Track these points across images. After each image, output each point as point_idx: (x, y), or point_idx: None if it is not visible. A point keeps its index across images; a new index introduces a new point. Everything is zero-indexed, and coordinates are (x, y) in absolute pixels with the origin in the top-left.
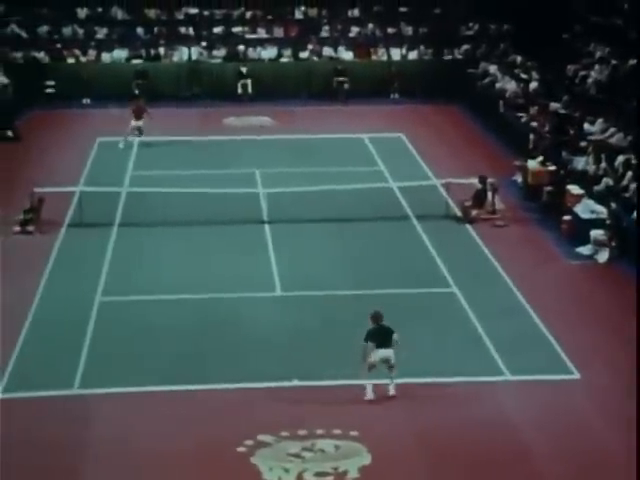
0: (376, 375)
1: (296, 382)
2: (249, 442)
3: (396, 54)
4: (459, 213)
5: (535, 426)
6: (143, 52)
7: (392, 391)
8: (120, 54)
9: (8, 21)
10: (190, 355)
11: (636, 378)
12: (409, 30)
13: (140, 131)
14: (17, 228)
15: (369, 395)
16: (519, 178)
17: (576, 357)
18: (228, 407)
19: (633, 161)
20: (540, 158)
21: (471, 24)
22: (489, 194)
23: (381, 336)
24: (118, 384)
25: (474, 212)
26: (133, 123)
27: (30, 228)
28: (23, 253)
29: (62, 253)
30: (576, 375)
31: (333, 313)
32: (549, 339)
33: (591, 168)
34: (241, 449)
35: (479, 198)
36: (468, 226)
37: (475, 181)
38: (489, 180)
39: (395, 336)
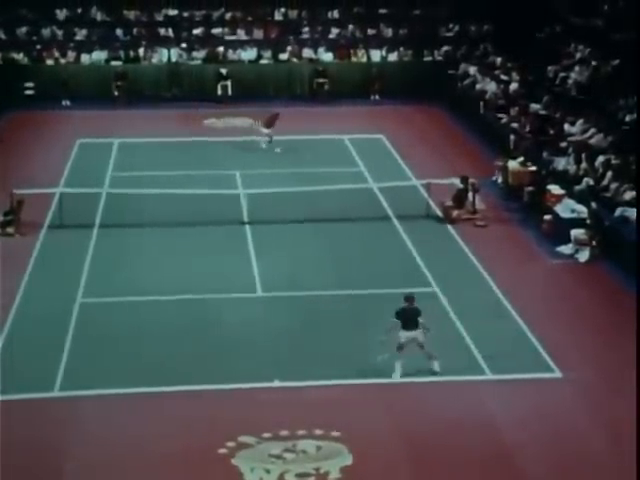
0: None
1: (277, 383)
2: (230, 444)
3: (376, 55)
4: (440, 213)
5: (517, 425)
6: (122, 53)
7: (436, 367)
8: (100, 55)
9: None
10: (171, 356)
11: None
12: (389, 31)
13: (270, 139)
14: None
15: (397, 375)
16: (500, 178)
17: (557, 356)
18: (209, 408)
19: (613, 161)
20: (521, 158)
21: (451, 25)
22: (470, 194)
23: (407, 317)
24: (99, 386)
25: (455, 212)
26: (265, 131)
27: (10, 230)
28: (3, 254)
29: (42, 254)
30: (558, 374)
31: (314, 314)
32: (530, 338)
33: (572, 168)
34: (222, 450)
35: (460, 198)
36: (449, 226)
37: (456, 181)
38: (470, 180)
39: (420, 319)
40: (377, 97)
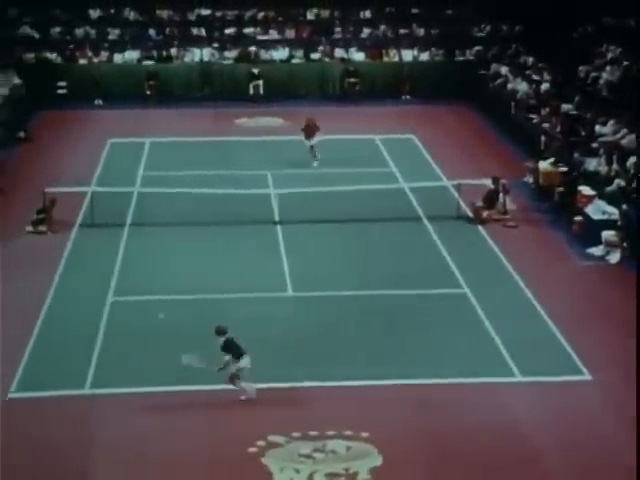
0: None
1: (307, 383)
2: (260, 443)
3: (408, 55)
4: (470, 214)
5: (546, 428)
6: (155, 53)
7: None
8: (132, 55)
9: (21, 23)
10: (201, 355)
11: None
12: (421, 31)
13: (313, 152)
14: (30, 228)
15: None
16: (530, 179)
17: (587, 358)
18: (239, 408)
19: None
20: (551, 159)
21: (483, 25)
22: (500, 195)
23: (234, 347)
24: (129, 384)
25: (485, 213)
26: (306, 143)
27: (42, 228)
28: (35, 253)
29: (74, 253)
30: (587, 376)
31: (344, 313)
32: (560, 340)
33: (603, 169)
34: (252, 449)
35: (490, 199)
36: (479, 227)
37: (487, 182)
38: (501, 181)
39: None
40: (408, 97)
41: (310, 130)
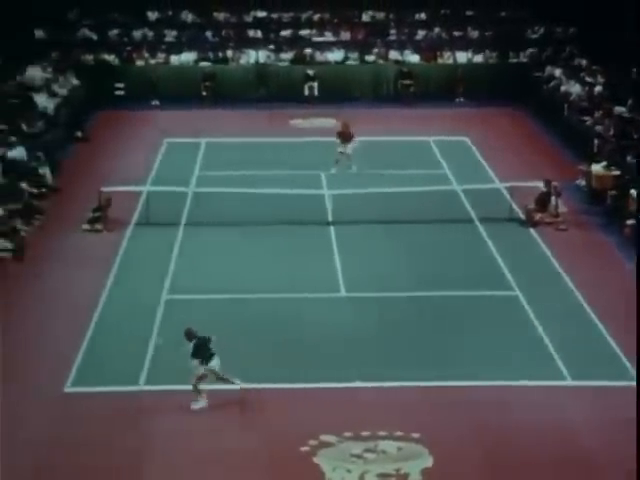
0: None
1: (359, 383)
2: (313, 442)
3: (462, 57)
4: (522, 216)
5: (596, 429)
6: (211, 55)
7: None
8: (188, 57)
9: (80, 25)
10: (253, 354)
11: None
12: (475, 33)
13: (347, 157)
14: (86, 226)
15: (200, 404)
16: (583, 182)
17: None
18: (292, 407)
19: None
20: (604, 162)
21: (537, 27)
22: (553, 198)
23: (203, 350)
24: (183, 381)
25: (537, 215)
26: (341, 148)
27: (98, 226)
28: (91, 251)
29: (129, 251)
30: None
31: (396, 314)
32: (611, 344)
33: None
34: (305, 448)
35: (543, 201)
36: (531, 229)
37: (539, 184)
38: (553, 183)
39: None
40: (462, 99)
41: (347, 136)
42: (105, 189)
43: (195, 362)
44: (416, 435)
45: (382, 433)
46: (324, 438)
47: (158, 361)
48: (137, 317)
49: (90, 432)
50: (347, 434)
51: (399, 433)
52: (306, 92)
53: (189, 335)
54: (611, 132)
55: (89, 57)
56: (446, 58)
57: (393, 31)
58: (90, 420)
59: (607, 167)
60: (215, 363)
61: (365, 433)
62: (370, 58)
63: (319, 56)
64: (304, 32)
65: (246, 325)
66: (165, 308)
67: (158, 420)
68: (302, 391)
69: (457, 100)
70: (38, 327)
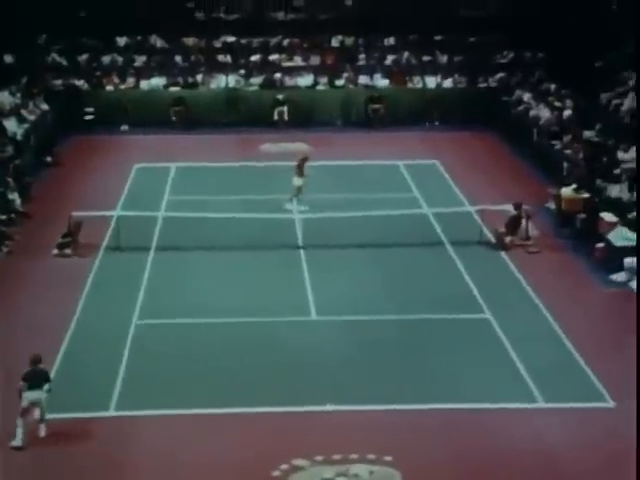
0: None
1: (330, 407)
2: (284, 466)
3: (431, 82)
4: (493, 239)
5: (569, 454)
6: (181, 80)
7: (42, 432)
8: (158, 81)
9: (49, 50)
10: (224, 379)
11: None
12: (444, 58)
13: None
14: (55, 251)
15: (18, 441)
16: (553, 205)
17: (610, 385)
18: (263, 431)
19: None
20: (574, 185)
21: (505, 52)
22: (523, 221)
23: (34, 378)
24: (154, 406)
25: (508, 239)
26: (298, 181)
27: (68, 251)
28: (61, 276)
29: (99, 276)
30: (610, 404)
31: (367, 338)
32: (583, 367)
33: (625, 196)
34: (276, 473)
35: (513, 225)
36: (502, 252)
37: (509, 208)
38: (523, 207)
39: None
40: (431, 123)
41: (303, 168)
42: (75, 214)
43: (21, 384)
44: (388, 458)
45: (354, 456)
46: (296, 462)
47: (129, 386)
48: (107, 342)
49: (60, 458)
50: (319, 458)
51: (371, 456)
52: (276, 117)
53: (33, 360)
54: (580, 156)
55: (58, 82)
56: (415, 82)
57: (362, 56)
58: (58, 447)
59: (576, 190)
60: (31, 396)
61: (337, 456)
62: (340, 83)
63: (289, 81)
64: (274, 57)
65: (217, 349)
66: (135, 332)
67: (128, 446)
68: (272, 415)
69: (427, 124)
70: (7, 353)
